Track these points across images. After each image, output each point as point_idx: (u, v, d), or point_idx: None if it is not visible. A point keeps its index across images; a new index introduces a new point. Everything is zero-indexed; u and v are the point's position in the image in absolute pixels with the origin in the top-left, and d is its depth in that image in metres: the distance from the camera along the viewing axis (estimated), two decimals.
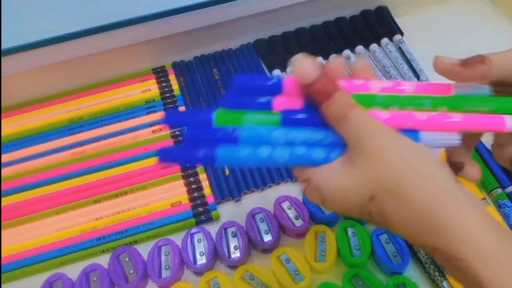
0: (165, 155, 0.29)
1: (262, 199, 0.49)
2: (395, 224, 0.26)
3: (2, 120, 0.56)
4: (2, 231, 0.47)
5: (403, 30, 0.63)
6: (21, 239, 0.47)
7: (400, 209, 0.25)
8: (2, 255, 0.46)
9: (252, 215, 0.47)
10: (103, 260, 0.45)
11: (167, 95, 0.58)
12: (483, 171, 0.49)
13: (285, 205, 0.47)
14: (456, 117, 0.28)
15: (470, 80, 0.29)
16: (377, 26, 0.63)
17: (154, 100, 0.57)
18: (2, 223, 0.48)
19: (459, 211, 0.24)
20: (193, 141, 0.29)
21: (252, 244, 0.46)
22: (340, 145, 0.28)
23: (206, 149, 0.28)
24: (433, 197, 0.25)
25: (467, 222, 0.24)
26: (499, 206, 0.47)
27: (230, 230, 0.46)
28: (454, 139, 0.28)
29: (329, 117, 0.27)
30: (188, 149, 0.29)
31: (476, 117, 0.29)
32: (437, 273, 0.43)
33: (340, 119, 0.26)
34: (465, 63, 0.28)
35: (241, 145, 0.28)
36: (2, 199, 0.50)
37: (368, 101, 0.28)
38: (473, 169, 0.30)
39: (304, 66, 0.27)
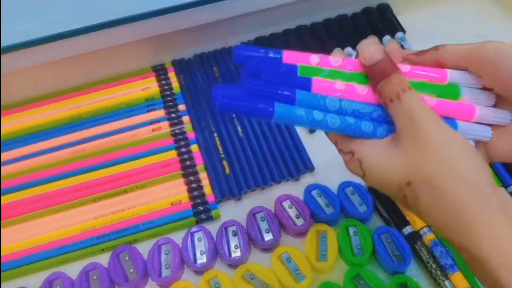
0: (223, 99, 0.28)
1: (263, 198, 0.49)
2: (426, 214, 0.26)
3: (2, 118, 0.56)
4: (2, 230, 0.47)
5: (404, 28, 0.63)
6: (21, 237, 0.47)
7: (433, 201, 0.26)
8: (3, 254, 0.46)
9: (252, 214, 0.46)
10: (103, 259, 0.45)
11: (167, 93, 0.57)
12: None
13: (286, 204, 0.47)
14: (431, 101, 0.29)
15: (423, 64, 0.30)
16: (378, 24, 0.63)
17: (154, 98, 0.57)
18: (2, 221, 0.48)
19: (490, 217, 0.25)
20: (252, 88, 0.28)
21: (252, 243, 0.46)
22: (388, 122, 0.29)
23: (265, 102, 0.28)
24: (469, 201, 0.25)
25: (496, 229, 0.24)
26: None
27: (230, 229, 0.46)
28: (488, 132, 0.29)
29: (383, 96, 0.28)
30: (247, 97, 0.28)
31: (448, 104, 0.29)
32: (439, 272, 0.42)
33: (393, 99, 0.27)
34: (420, 52, 0.30)
35: (297, 105, 0.29)
36: (2, 197, 0.49)
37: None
38: None
39: (371, 49, 0.29)
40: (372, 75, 0.29)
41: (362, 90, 0.29)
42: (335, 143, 0.31)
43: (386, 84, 0.28)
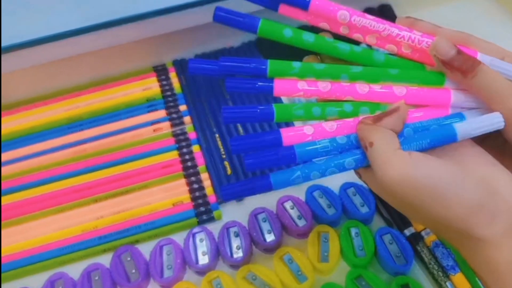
0: (227, 193, 0.32)
1: (265, 198, 0.49)
2: (432, 218, 0.27)
3: (2, 118, 0.55)
4: (2, 230, 0.47)
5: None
6: (22, 238, 0.47)
7: (439, 208, 0.26)
8: (3, 254, 0.46)
9: (254, 214, 0.46)
10: (105, 260, 0.45)
11: (168, 93, 0.57)
12: None
13: (288, 205, 0.47)
14: (400, 90, 0.30)
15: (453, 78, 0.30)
16: None
17: (154, 98, 0.57)
18: (2, 222, 0.48)
19: (495, 237, 0.25)
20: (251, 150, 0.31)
21: (254, 244, 0.46)
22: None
23: (261, 179, 0.31)
24: (474, 218, 0.26)
25: (498, 250, 0.25)
26: None
27: (232, 230, 0.46)
28: (497, 120, 0.28)
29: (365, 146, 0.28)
30: (245, 182, 0.31)
31: (420, 90, 0.30)
32: (440, 274, 0.43)
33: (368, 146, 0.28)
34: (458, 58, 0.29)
35: (291, 169, 0.30)
36: (3, 197, 0.49)
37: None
38: None
39: (443, 45, 0.29)
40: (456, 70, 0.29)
41: (331, 127, 0.30)
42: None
43: (472, 77, 0.28)
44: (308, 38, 0.31)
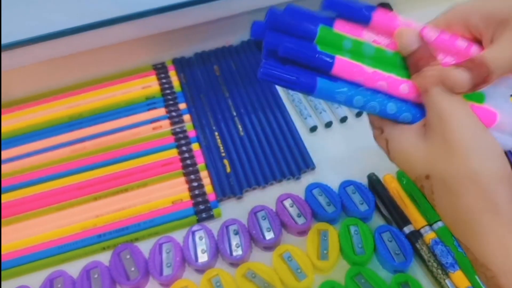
0: (267, 69, 0.28)
1: (264, 196, 0.49)
2: (439, 209, 0.27)
3: (2, 116, 0.55)
4: (2, 228, 0.47)
5: None
6: (22, 236, 0.47)
7: (447, 202, 0.26)
8: (3, 252, 0.46)
9: (254, 212, 0.46)
10: (104, 258, 0.45)
11: (168, 91, 0.57)
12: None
13: (287, 202, 0.47)
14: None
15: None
16: None
17: (154, 96, 0.57)
18: (2, 220, 0.48)
19: (500, 230, 0.24)
20: (291, 56, 0.28)
21: (254, 242, 0.46)
22: (415, 108, 0.29)
23: (307, 76, 0.28)
24: (481, 212, 0.25)
25: (505, 243, 0.24)
26: None
27: (231, 228, 0.46)
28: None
29: (419, 86, 0.28)
30: (290, 69, 0.28)
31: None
32: (440, 271, 0.43)
33: (423, 92, 0.28)
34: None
35: (339, 82, 0.29)
36: (3, 195, 0.49)
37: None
38: None
39: (405, 37, 0.28)
40: (409, 65, 0.29)
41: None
42: (369, 116, 0.32)
43: (417, 76, 0.28)
44: (368, 50, 0.30)
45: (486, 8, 0.29)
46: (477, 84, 0.27)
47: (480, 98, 0.30)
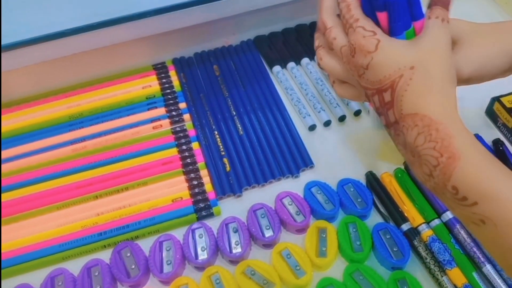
0: None
1: (263, 194, 0.50)
2: (412, 91, 0.32)
3: (2, 116, 0.56)
4: (4, 227, 0.47)
5: None
6: (23, 234, 0.47)
7: (425, 83, 0.32)
8: (4, 250, 0.46)
9: (253, 210, 0.47)
10: (105, 256, 0.45)
11: (168, 91, 0.58)
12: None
13: (286, 200, 0.48)
14: None
15: None
16: None
17: (154, 96, 0.57)
18: (4, 218, 0.48)
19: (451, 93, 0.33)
20: None
21: (253, 239, 0.46)
22: None
23: None
24: (444, 80, 0.33)
25: (455, 106, 0.33)
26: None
27: (231, 226, 0.46)
28: None
29: (434, 14, 0.34)
30: None
31: None
32: (437, 268, 0.43)
33: (439, 18, 0.34)
34: None
35: None
36: (4, 194, 0.50)
37: None
38: None
39: None
40: (435, 1, 0.35)
41: None
42: (357, 19, 0.34)
43: (442, 10, 0.34)
44: None
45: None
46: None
47: None
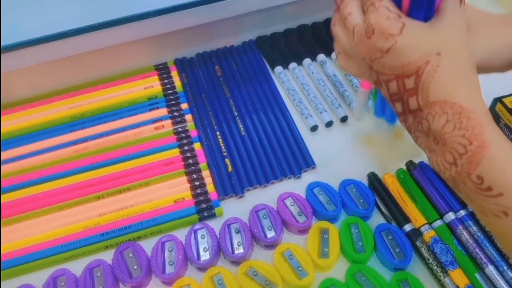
0: None
1: (265, 195, 0.50)
2: (440, 78, 0.31)
3: (3, 117, 0.56)
4: (6, 227, 0.48)
5: None
6: (25, 235, 0.47)
7: (453, 69, 0.31)
8: (6, 251, 0.46)
9: (255, 211, 0.47)
10: (107, 256, 0.45)
11: (170, 91, 0.58)
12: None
13: (288, 201, 0.48)
14: None
15: None
16: None
17: (156, 96, 0.57)
18: (6, 219, 0.48)
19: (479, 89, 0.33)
20: None
21: (255, 240, 0.46)
22: None
23: None
24: (473, 70, 0.32)
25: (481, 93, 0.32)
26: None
27: (233, 226, 0.46)
28: None
29: None
30: None
31: None
32: (439, 269, 0.43)
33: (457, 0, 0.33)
34: None
35: None
36: (5, 195, 0.50)
37: None
38: None
39: None
40: None
41: None
42: (384, 3, 0.32)
43: None
44: None
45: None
46: None
47: None
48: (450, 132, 0.31)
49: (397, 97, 0.33)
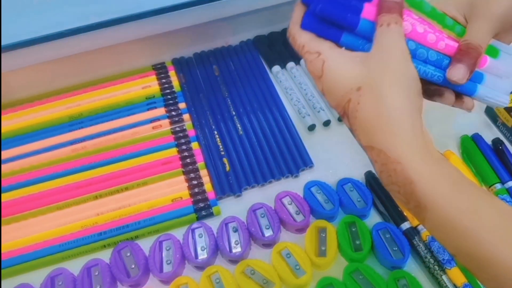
0: (319, 4, 0.31)
1: (263, 194, 0.50)
2: (362, 117, 0.29)
3: (2, 117, 0.56)
4: (4, 227, 0.48)
5: None
6: (23, 234, 0.47)
7: (371, 106, 0.29)
8: (5, 250, 0.46)
9: (253, 210, 0.47)
10: (105, 255, 0.45)
11: (167, 91, 0.58)
12: (483, 166, 0.49)
13: (286, 200, 0.48)
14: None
15: None
16: None
17: (154, 96, 0.57)
18: (4, 218, 0.48)
19: (418, 124, 0.29)
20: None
21: (253, 239, 0.46)
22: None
23: (352, 11, 0.31)
24: (404, 108, 0.29)
25: (418, 136, 0.29)
26: None
27: (231, 225, 0.46)
28: (503, 101, 0.34)
29: (379, 22, 0.31)
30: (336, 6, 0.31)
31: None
32: (436, 268, 0.43)
33: (385, 25, 0.30)
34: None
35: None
36: (3, 195, 0.50)
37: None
38: (451, 95, 0.34)
39: None
40: (380, 7, 0.31)
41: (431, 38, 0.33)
42: (303, 46, 0.32)
43: (386, 15, 0.31)
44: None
45: None
46: (475, 64, 0.32)
47: (495, 53, 0.34)
48: (387, 185, 0.29)
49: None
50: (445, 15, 0.34)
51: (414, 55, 0.32)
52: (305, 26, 0.32)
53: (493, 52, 0.34)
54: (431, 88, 0.34)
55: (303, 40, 0.32)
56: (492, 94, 0.34)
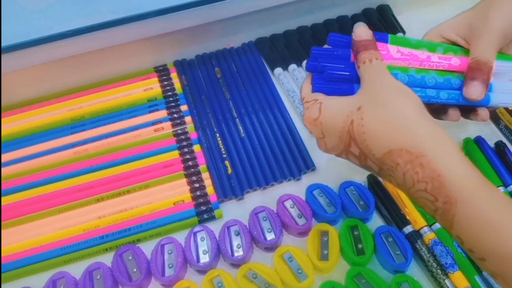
0: (316, 84, 0.34)
1: (265, 197, 0.49)
2: (370, 129, 0.30)
3: (3, 119, 0.56)
4: (5, 230, 0.48)
5: (404, 28, 0.63)
6: (25, 237, 0.47)
7: (378, 116, 0.30)
8: (6, 254, 0.46)
9: (255, 213, 0.47)
10: (107, 259, 0.45)
11: (169, 93, 0.58)
12: (486, 169, 0.49)
13: (288, 203, 0.47)
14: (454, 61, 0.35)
15: None
16: (379, 24, 0.63)
17: (156, 98, 0.57)
18: (5, 221, 0.48)
19: (427, 120, 0.30)
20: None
21: (255, 243, 0.46)
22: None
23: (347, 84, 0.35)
24: (408, 108, 0.30)
25: (434, 127, 0.30)
26: None
27: (233, 229, 0.46)
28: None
29: (359, 60, 0.33)
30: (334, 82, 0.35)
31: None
32: (439, 272, 0.43)
33: (366, 61, 0.33)
34: None
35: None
36: (5, 198, 0.50)
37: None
38: (455, 112, 0.36)
39: (361, 30, 0.34)
40: (357, 47, 0.34)
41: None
42: (303, 98, 0.35)
43: (365, 53, 0.33)
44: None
45: (467, 19, 0.37)
46: (488, 79, 0.34)
47: None
48: (412, 187, 0.29)
49: (362, 167, 0.33)
50: (432, 42, 0.36)
51: (423, 84, 0.34)
52: (316, 90, 0.35)
53: None
54: (432, 107, 0.36)
55: (303, 94, 0.35)
56: (506, 99, 0.35)
